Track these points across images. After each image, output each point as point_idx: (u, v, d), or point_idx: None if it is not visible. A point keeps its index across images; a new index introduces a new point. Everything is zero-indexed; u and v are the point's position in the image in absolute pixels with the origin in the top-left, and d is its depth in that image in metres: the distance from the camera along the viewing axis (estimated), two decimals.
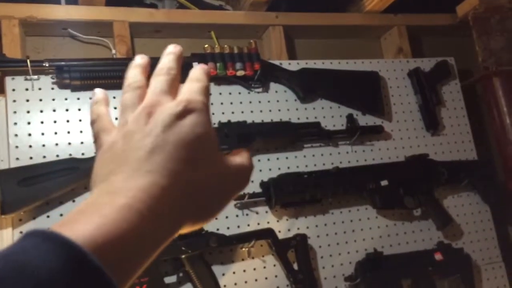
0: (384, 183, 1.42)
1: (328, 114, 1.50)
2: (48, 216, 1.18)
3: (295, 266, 1.29)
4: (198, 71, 0.40)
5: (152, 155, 0.33)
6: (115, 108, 1.25)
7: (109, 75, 1.25)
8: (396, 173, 1.46)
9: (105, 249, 0.27)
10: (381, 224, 1.47)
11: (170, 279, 1.21)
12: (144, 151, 0.33)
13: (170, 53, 0.40)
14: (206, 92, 0.38)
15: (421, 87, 1.61)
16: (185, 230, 0.34)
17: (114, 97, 1.28)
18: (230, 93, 1.41)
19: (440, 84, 1.67)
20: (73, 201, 1.19)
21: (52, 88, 1.25)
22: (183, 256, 1.17)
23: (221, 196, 0.37)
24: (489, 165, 1.66)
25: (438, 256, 1.43)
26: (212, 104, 1.38)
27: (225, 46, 1.39)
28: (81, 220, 0.28)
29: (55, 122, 1.24)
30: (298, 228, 1.37)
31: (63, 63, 1.23)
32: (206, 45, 1.39)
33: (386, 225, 1.48)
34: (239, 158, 0.39)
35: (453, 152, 1.62)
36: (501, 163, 1.65)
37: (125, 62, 1.31)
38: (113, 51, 1.37)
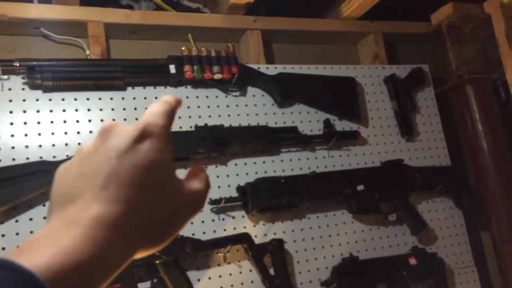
0: (360, 188, 1.42)
1: (305, 118, 1.50)
2: (16, 221, 1.14)
3: (271, 271, 1.29)
4: (169, 95, 0.40)
5: (106, 182, 0.33)
6: (89, 109, 1.22)
7: (82, 76, 1.22)
8: (372, 178, 1.47)
9: (60, 277, 0.28)
10: (357, 229, 1.48)
11: (144, 285, 1.18)
12: (99, 178, 0.34)
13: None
14: (170, 115, 0.38)
15: (396, 93, 1.63)
16: (139, 255, 0.35)
17: (87, 99, 1.26)
18: (207, 97, 1.40)
19: (415, 90, 1.69)
20: (43, 205, 1.15)
21: (23, 89, 1.21)
22: (157, 262, 1.14)
23: (176, 221, 0.37)
24: (462, 171, 1.69)
25: (412, 261, 1.45)
26: (188, 107, 1.37)
27: (203, 49, 1.38)
28: (37, 249, 0.29)
29: (25, 123, 1.20)
30: (275, 233, 1.36)
31: (34, 63, 1.19)
32: (183, 48, 1.37)
33: (362, 230, 1.49)
34: (195, 183, 0.39)
35: (427, 158, 1.64)
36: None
37: (99, 63, 1.28)
38: (87, 52, 1.34)
